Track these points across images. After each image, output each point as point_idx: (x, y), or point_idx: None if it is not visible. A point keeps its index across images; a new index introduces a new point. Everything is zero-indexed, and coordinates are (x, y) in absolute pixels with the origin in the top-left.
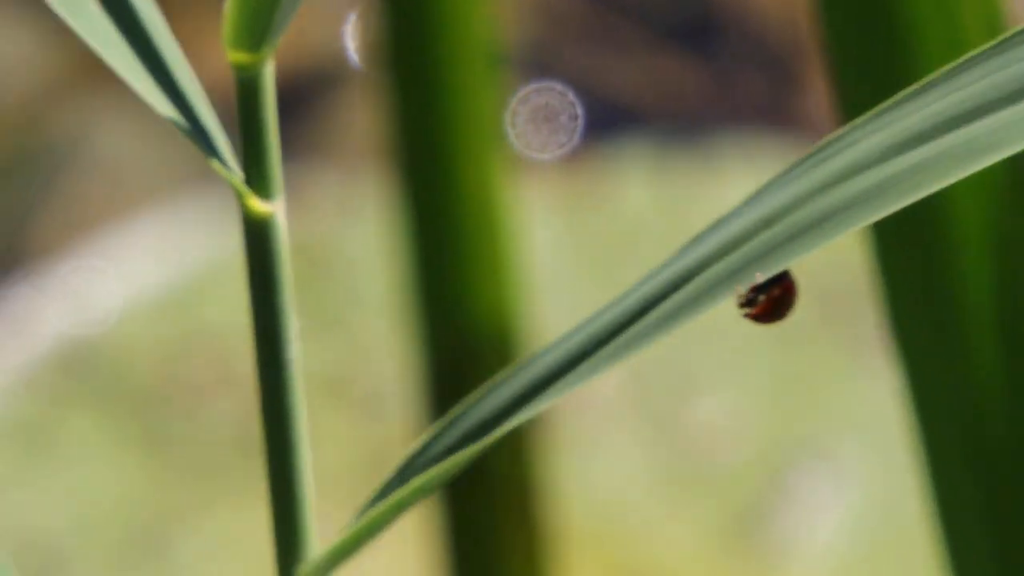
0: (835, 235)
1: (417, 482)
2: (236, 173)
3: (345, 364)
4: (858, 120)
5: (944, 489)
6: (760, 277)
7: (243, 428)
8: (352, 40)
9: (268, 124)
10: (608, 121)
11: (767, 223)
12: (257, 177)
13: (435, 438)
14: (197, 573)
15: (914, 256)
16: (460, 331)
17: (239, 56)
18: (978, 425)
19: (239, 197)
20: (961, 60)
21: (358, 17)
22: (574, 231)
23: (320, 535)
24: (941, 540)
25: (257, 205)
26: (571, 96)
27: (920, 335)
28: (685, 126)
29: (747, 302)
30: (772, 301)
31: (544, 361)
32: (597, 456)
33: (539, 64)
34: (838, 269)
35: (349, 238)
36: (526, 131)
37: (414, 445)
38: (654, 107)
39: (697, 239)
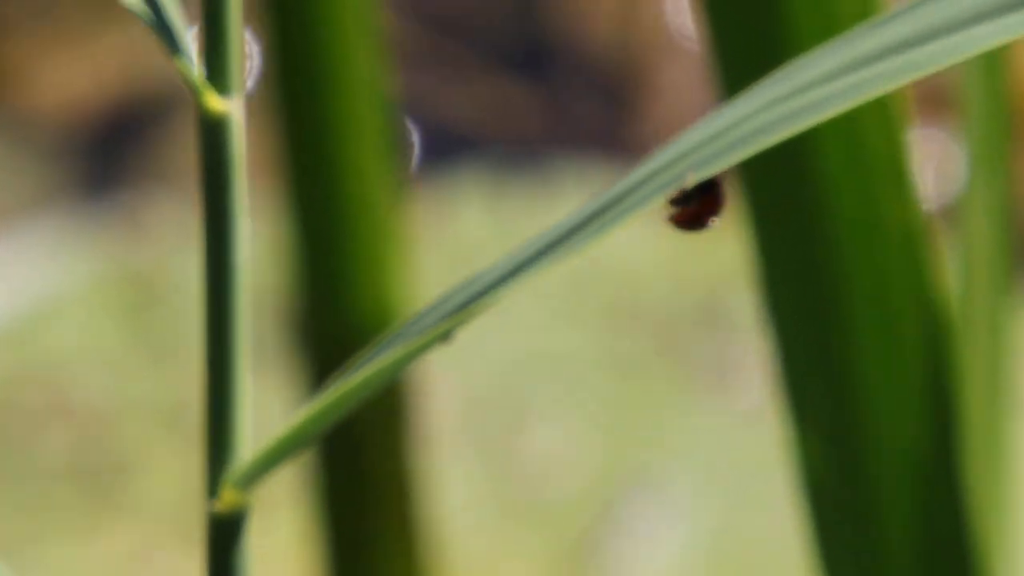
0: (776, 136)
1: (356, 379)
2: (198, 68)
3: (181, 394)
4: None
5: (826, 538)
6: (691, 180)
7: (78, 460)
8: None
9: (232, 18)
10: (444, 147)
11: (713, 136)
12: (217, 74)
13: (364, 355)
14: None
15: (801, 290)
16: (341, 327)
17: None
18: (860, 465)
19: (196, 93)
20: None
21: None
22: (412, 256)
23: (150, 562)
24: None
25: (215, 102)
26: (407, 122)
27: (801, 370)
28: (520, 151)
29: (677, 202)
30: (699, 208)
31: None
32: (432, 483)
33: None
34: (675, 299)
35: (187, 269)
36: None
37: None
38: (489, 133)
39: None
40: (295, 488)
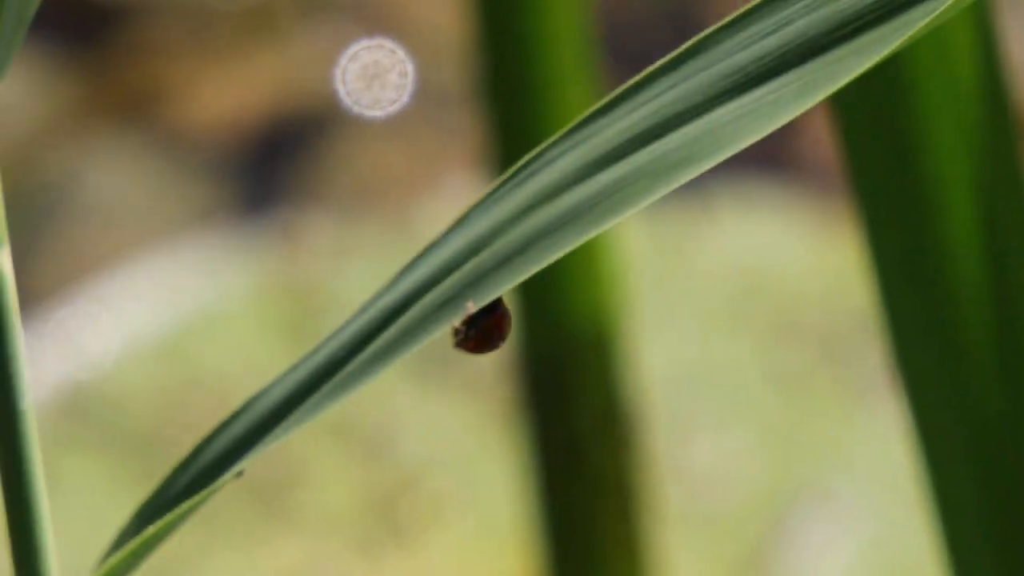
0: (541, 260)
1: (150, 530)
2: None
3: (347, 405)
4: (554, 137)
5: (951, 525)
6: (472, 308)
7: (245, 472)
8: (344, 81)
9: None
10: None
11: (474, 250)
12: None
13: (166, 485)
14: None
15: (916, 293)
16: (555, 335)
17: None
18: (983, 458)
19: None
20: (650, 70)
21: (350, 56)
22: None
23: (319, 574)
24: None
25: None
26: None
27: (924, 372)
28: None
29: (460, 333)
30: (484, 332)
31: (249, 415)
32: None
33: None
34: (839, 307)
35: (344, 282)
36: None
37: (150, 490)
38: None
39: (404, 270)
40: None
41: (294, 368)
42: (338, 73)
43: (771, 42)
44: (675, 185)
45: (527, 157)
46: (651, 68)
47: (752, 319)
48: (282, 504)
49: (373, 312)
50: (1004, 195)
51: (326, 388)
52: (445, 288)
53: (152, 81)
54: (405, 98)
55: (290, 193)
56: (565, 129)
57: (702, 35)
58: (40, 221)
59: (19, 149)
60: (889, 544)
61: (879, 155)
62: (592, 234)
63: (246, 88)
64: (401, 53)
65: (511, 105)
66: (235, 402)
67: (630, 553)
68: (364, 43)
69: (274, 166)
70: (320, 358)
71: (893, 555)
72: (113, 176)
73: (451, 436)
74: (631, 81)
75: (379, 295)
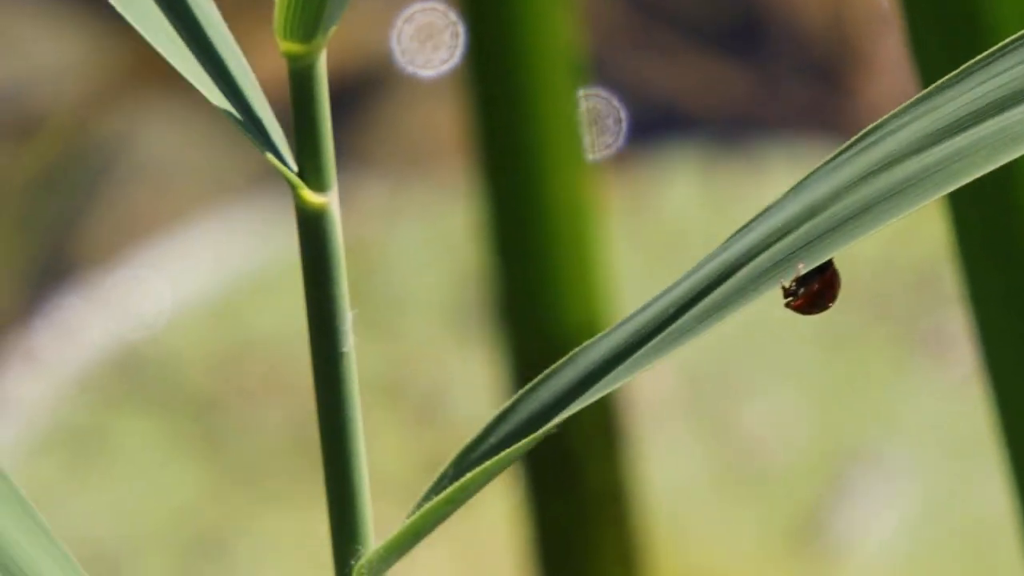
0: (876, 225)
1: (471, 475)
2: (290, 166)
3: (398, 368)
4: (896, 110)
5: None
6: (803, 268)
7: (298, 433)
8: (399, 42)
9: (321, 115)
10: (652, 125)
11: (810, 213)
12: (311, 169)
13: (487, 432)
14: None
15: (996, 260)
16: (546, 334)
17: (291, 46)
18: None
19: (293, 189)
20: (993, 49)
21: (406, 18)
22: (620, 232)
23: (379, 537)
24: None
25: (311, 197)
26: (616, 101)
27: (1005, 336)
28: (730, 130)
29: (790, 293)
30: (813, 293)
31: (593, 353)
32: (652, 459)
33: (588, 70)
34: (890, 268)
35: (396, 243)
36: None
37: (475, 436)
38: (699, 111)
39: (741, 231)
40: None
41: (626, 321)
42: (394, 34)
43: None
44: (1013, 156)
45: (869, 127)
46: (1003, 42)
47: None
48: None
49: (708, 269)
50: None
51: (657, 340)
52: (779, 249)
53: None
54: (457, 58)
55: (343, 154)
56: (909, 101)
57: None
58: (94, 183)
59: (73, 111)
60: (942, 504)
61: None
62: (927, 202)
63: None
64: (453, 15)
65: (494, 90)
66: (288, 365)
67: (622, 564)
68: (419, 5)
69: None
70: (653, 311)
71: (946, 515)
72: (166, 139)
73: (504, 399)
74: (981, 56)
75: (714, 254)
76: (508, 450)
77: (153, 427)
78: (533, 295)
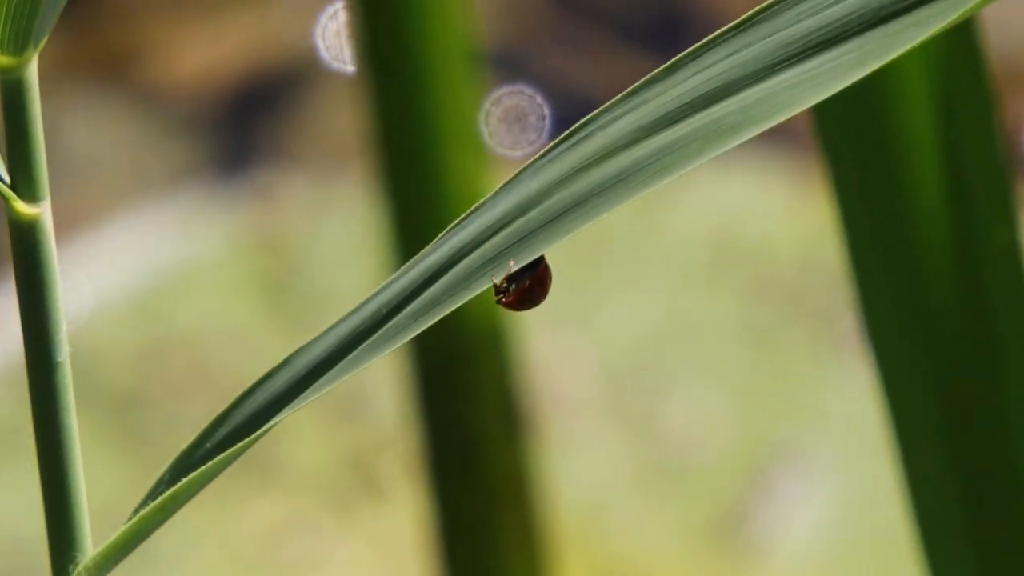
0: (587, 220)
1: (183, 483)
2: (3, 178)
3: None
4: (608, 103)
5: (920, 483)
6: (514, 266)
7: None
8: (324, 38)
9: (33, 126)
10: (575, 119)
11: (521, 210)
12: (23, 180)
13: (204, 436)
14: (180, 573)
15: (884, 256)
16: (448, 330)
17: (1, 59)
18: (950, 415)
19: (4, 201)
20: (704, 41)
21: (330, 15)
22: None
23: (302, 535)
24: (919, 535)
25: (23, 208)
26: (539, 98)
27: (892, 334)
28: None
29: (501, 290)
30: (525, 289)
31: (301, 360)
32: (572, 455)
33: (509, 67)
34: (810, 267)
35: (320, 240)
36: (498, 131)
37: (192, 441)
38: None
39: (454, 228)
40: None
41: (331, 329)
42: (318, 30)
43: (834, 12)
44: (726, 148)
45: (582, 121)
46: (713, 35)
47: (726, 278)
48: (259, 461)
49: (419, 270)
50: (975, 159)
51: (361, 349)
52: (491, 247)
53: (131, 38)
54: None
55: (267, 151)
56: (622, 94)
57: (767, 3)
58: None
59: None
60: (863, 500)
61: (850, 117)
62: (641, 194)
63: (225, 45)
64: None
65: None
66: (212, 360)
67: (526, 553)
68: (343, 1)
69: (251, 124)
70: (361, 317)
71: (867, 511)
72: (91, 133)
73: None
74: (692, 48)
75: (426, 253)
76: (222, 455)
77: (77, 423)
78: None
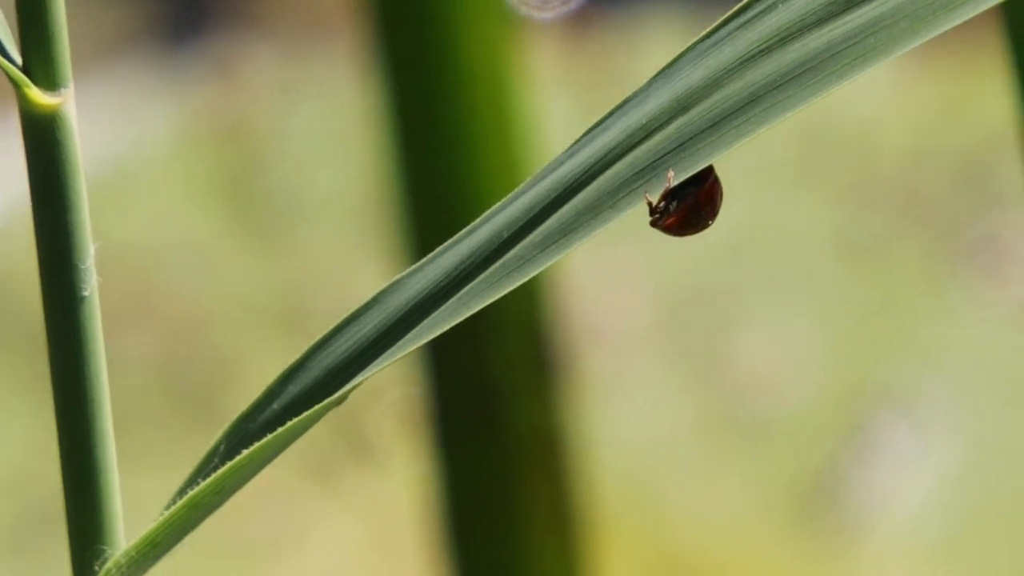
0: (766, 122)
1: (246, 454)
2: (14, 59)
3: (295, 290)
4: None
5: None
6: (673, 178)
7: (165, 370)
8: None
9: (55, 3)
10: None
11: (681, 107)
12: (39, 63)
13: (270, 396)
14: None
15: None
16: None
17: None
18: None
19: (16, 88)
20: None
21: None
22: (585, 110)
23: (276, 508)
24: None
25: (39, 98)
26: None
27: None
28: None
29: (658, 211)
30: (687, 208)
31: (402, 295)
32: (624, 404)
33: None
34: (927, 159)
35: (292, 127)
36: None
37: (253, 402)
38: None
39: (593, 130)
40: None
41: (435, 256)
42: None
43: None
44: (944, 28)
45: None
46: None
47: (817, 174)
48: (209, 409)
49: (550, 182)
50: None
51: (476, 283)
52: (642, 153)
53: None
54: None
55: (224, 19)
56: None
57: None
58: None
59: None
60: (991, 461)
61: None
62: (833, 89)
63: None
64: None
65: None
66: (157, 283)
67: (558, 536)
68: None
69: None
70: (475, 242)
71: (997, 475)
72: None
73: None
74: None
75: (558, 162)
76: (297, 419)
77: None
78: (446, 186)
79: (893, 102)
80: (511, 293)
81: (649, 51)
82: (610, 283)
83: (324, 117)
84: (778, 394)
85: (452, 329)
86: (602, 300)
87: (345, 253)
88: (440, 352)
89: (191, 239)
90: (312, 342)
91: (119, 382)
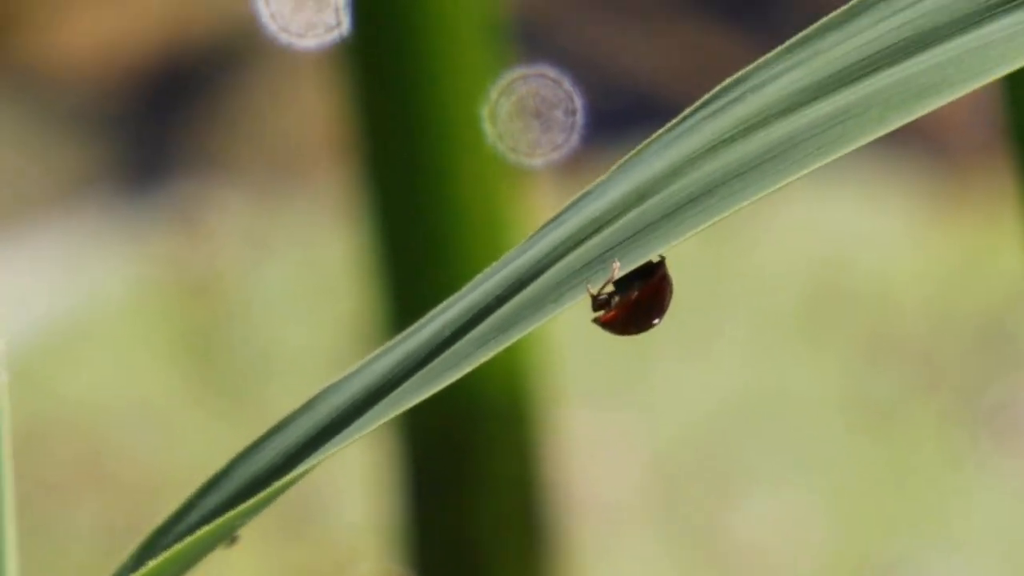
0: (723, 210)
1: (155, 563)
2: None
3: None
4: (765, 58)
5: None
6: (618, 269)
7: (117, 538)
8: (268, 2)
9: None
10: (621, 113)
11: (639, 196)
12: None
13: (192, 502)
14: None
15: None
16: (451, 405)
17: None
18: None
19: None
20: None
21: None
22: None
23: None
24: None
25: None
26: (569, 84)
27: None
28: None
29: (601, 303)
30: (633, 304)
31: (338, 396)
32: None
33: (528, 42)
34: (946, 320)
35: (263, 279)
36: (510, 129)
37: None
38: (682, 94)
39: (551, 223)
40: None
41: (376, 356)
42: None
43: None
44: (914, 116)
45: (726, 82)
46: None
47: (826, 333)
48: None
49: (498, 279)
50: None
51: (424, 371)
52: (593, 245)
53: (6, 3)
54: (348, 21)
55: (189, 157)
56: (783, 47)
57: None
58: None
59: None
60: None
61: None
62: (796, 176)
63: (132, 11)
64: None
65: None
66: (109, 447)
67: None
68: None
69: (168, 118)
70: (426, 333)
71: None
72: None
73: (393, 490)
74: None
75: (507, 260)
76: (216, 521)
77: None
78: None
79: (908, 255)
80: (502, 451)
81: None
82: (603, 447)
83: (296, 269)
84: (780, 571)
85: (436, 488)
86: (594, 466)
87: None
88: (421, 515)
89: (149, 399)
90: (274, 513)
91: (67, 551)
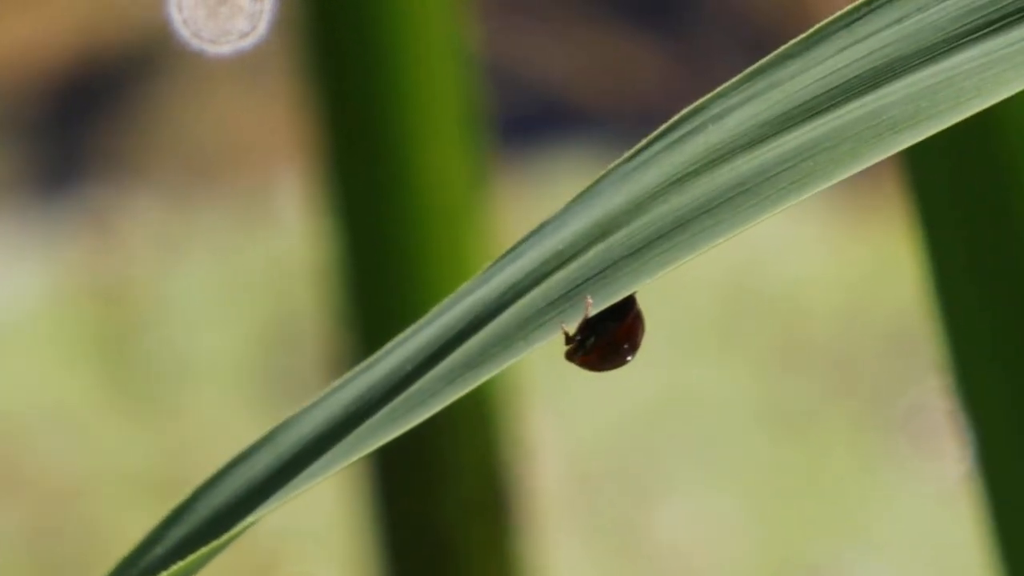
0: (692, 250)
1: None
2: None
3: (177, 461)
4: (724, 86)
5: None
6: (591, 307)
7: (37, 545)
8: (180, 8)
9: None
10: (540, 118)
11: (602, 231)
12: None
13: (151, 541)
14: None
15: (993, 299)
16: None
17: None
18: None
19: None
20: None
21: None
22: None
23: None
24: None
25: None
26: (489, 87)
27: (997, 406)
28: (639, 126)
29: (575, 343)
30: (607, 345)
31: (291, 435)
32: None
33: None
34: (857, 326)
35: (177, 286)
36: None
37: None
38: (600, 100)
39: (507, 256)
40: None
41: (332, 391)
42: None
43: None
44: (891, 151)
45: (686, 110)
46: None
47: (743, 339)
48: None
49: (459, 309)
50: None
51: (373, 420)
52: (559, 281)
53: None
54: (262, 29)
55: (103, 163)
56: (742, 75)
57: None
58: None
59: None
60: None
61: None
62: (768, 215)
63: (45, 18)
64: None
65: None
66: (24, 454)
67: None
68: None
69: (81, 124)
70: (380, 372)
71: None
72: None
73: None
74: (838, 14)
75: (466, 291)
76: (181, 563)
77: None
78: (399, 322)
79: (823, 262)
80: (469, 443)
81: (564, 195)
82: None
83: (209, 274)
84: (698, 573)
85: (401, 481)
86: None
87: (230, 419)
88: (388, 508)
89: (63, 405)
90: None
91: None
